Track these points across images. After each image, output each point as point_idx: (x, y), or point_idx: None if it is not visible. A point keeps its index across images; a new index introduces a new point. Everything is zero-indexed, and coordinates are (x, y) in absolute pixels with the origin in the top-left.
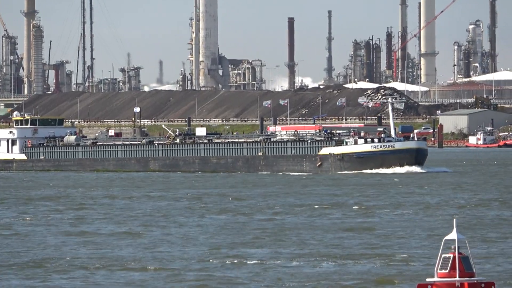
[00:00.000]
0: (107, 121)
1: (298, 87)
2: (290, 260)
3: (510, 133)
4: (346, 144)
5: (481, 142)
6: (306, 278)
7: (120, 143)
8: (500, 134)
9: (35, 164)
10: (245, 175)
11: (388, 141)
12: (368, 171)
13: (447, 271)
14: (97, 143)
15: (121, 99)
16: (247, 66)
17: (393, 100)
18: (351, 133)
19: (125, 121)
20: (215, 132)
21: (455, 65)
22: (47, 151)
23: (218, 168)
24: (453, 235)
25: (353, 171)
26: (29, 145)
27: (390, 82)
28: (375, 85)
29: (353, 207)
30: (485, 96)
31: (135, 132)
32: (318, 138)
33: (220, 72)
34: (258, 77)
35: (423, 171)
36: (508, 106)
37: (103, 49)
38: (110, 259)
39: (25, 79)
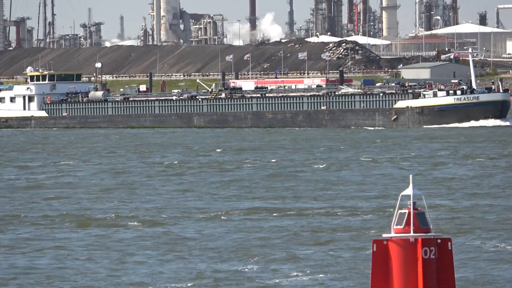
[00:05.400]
0: None
1: (259, 41)
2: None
3: None
4: (424, 96)
5: None
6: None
7: (155, 98)
8: None
9: (57, 121)
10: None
11: (471, 92)
12: (451, 125)
13: (402, 226)
14: (129, 99)
15: (82, 55)
16: (209, 20)
17: (474, 51)
18: (426, 86)
19: (86, 77)
20: (262, 86)
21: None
22: (71, 108)
23: (274, 124)
24: (409, 190)
25: (434, 125)
26: (48, 102)
27: (352, 35)
28: (336, 39)
29: None
30: (447, 49)
31: (97, 88)
32: (389, 91)
33: (182, 27)
34: (220, 31)
35: (508, 124)
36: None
37: (64, 5)
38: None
39: None
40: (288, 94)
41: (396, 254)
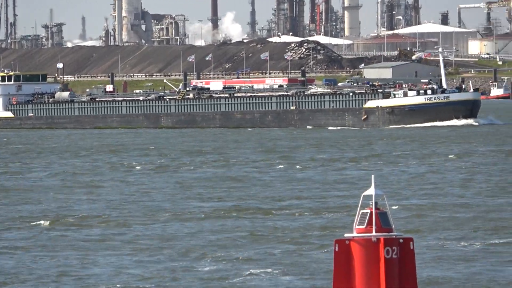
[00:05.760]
0: None
1: (221, 41)
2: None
3: None
4: (395, 96)
5: None
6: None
7: (122, 99)
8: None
9: (23, 122)
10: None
11: (442, 92)
12: (423, 124)
13: (364, 226)
14: (96, 99)
15: (44, 56)
16: (170, 21)
17: (444, 50)
18: (396, 85)
19: (48, 77)
20: (230, 86)
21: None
22: (37, 108)
23: (243, 124)
24: (370, 190)
25: (404, 125)
26: (14, 102)
27: (314, 35)
28: (298, 39)
29: None
30: (408, 49)
31: (62, 88)
32: (358, 91)
33: (143, 27)
34: (181, 32)
35: (481, 123)
36: (432, 58)
37: (26, 5)
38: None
39: None
40: (257, 94)
41: (358, 254)
